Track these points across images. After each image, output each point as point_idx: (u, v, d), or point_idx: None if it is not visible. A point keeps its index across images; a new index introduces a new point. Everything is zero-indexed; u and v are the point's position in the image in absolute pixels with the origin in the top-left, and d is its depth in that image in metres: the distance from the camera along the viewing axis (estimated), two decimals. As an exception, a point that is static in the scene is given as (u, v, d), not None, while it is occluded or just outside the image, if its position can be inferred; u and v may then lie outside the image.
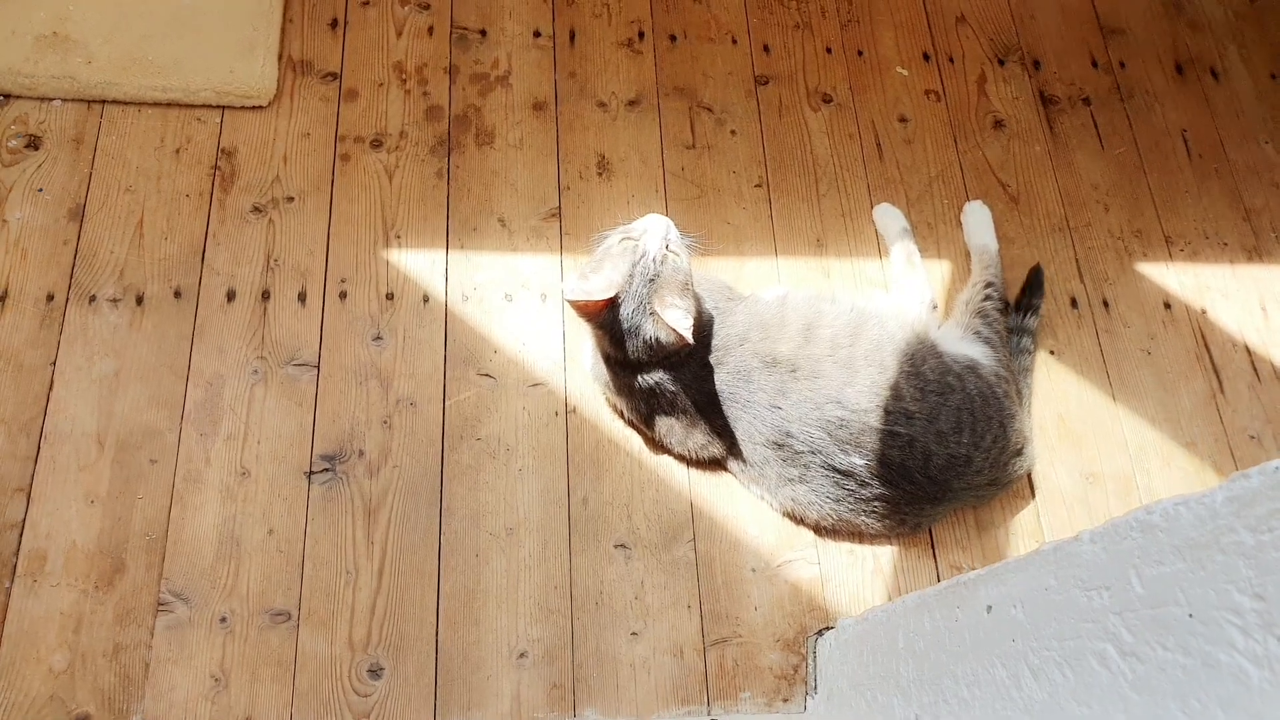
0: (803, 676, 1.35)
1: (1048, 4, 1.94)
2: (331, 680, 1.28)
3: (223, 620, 1.30)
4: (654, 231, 1.33)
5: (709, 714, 1.32)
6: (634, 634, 1.35)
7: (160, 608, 1.30)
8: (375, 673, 1.30)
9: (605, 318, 1.32)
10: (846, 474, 1.36)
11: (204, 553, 1.33)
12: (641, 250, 1.31)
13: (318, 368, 1.46)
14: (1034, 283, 1.62)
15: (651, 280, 1.30)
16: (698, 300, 1.39)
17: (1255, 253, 1.75)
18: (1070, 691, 0.74)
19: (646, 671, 1.34)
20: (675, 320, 1.26)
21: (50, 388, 1.40)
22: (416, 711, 1.28)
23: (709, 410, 1.39)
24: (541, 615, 1.35)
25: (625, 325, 1.31)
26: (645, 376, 1.37)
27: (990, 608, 0.85)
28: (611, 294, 1.29)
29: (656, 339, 1.31)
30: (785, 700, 1.34)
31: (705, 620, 1.37)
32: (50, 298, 1.46)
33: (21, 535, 1.32)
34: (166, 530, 1.34)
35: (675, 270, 1.31)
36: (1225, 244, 1.75)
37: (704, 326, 1.39)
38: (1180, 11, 1.97)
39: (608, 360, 1.40)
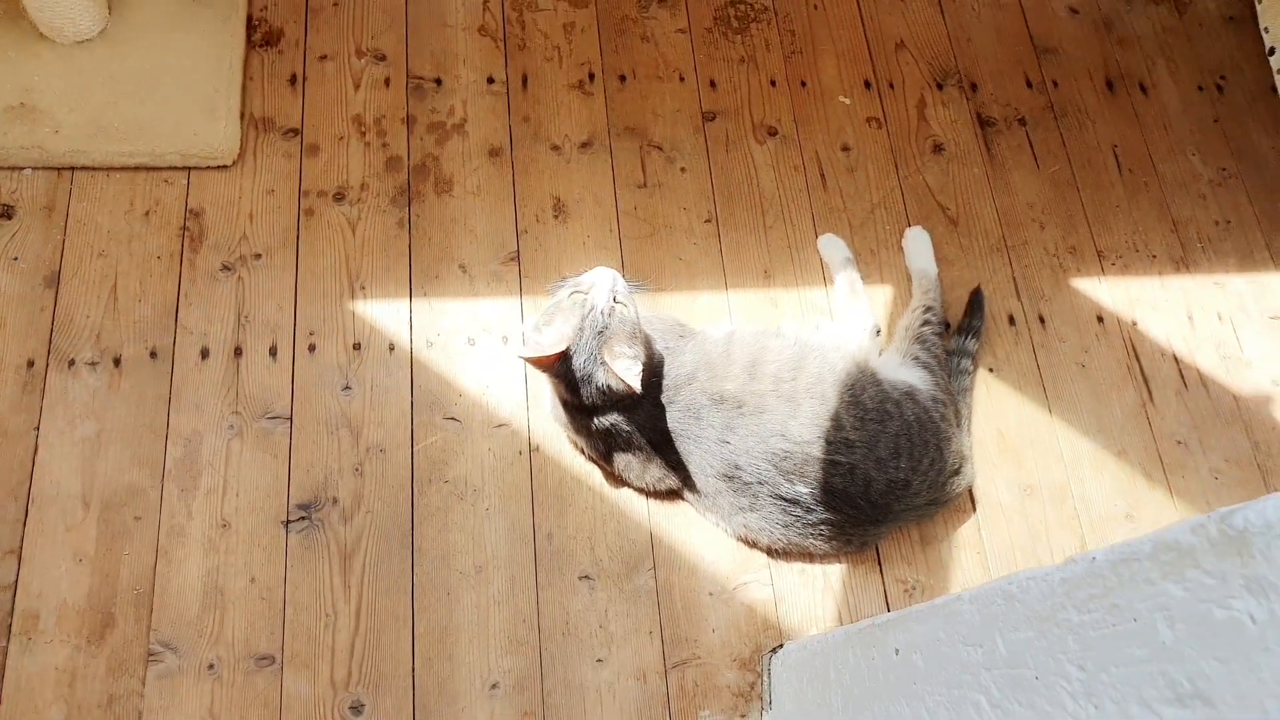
0: (759, 693, 1.43)
1: (984, 26, 1.99)
2: (317, 718, 1.35)
3: (210, 667, 1.36)
4: (601, 285, 1.38)
5: (672, 734, 1.39)
6: (599, 660, 1.42)
7: (150, 658, 1.36)
8: (357, 709, 1.36)
9: (560, 368, 1.38)
10: (793, 502, 1.43)
11: (190, 603, 1.40)
12: (590, 304, 1.37)
13: (290, 420, 1.52)
14: (974, 305, 1.68)
15: (600, 332, 1.36)
16: (648, 342, 1.44)
17: (1182, 263, 1.82)
18: (962, 734, 0.81)
19: (612, 696, 1.41)
20: (623, 370, 1.33)
21: (35, 452, 1.46)
22: (397, 745, 1.35)
23: (663, 446, 1.46)
24: (511, 647, 1.42)
25: (579, 374, 1.37)
26: (601, 418, 1.43)
27: (897, 651, 0.92)
28: (563, 348, 1.35)
29: (608, 385, 1.37)
30: (743, 716, 1.41)
31: (666, 644, 1.44)
32: (31, 364, 1.51)
33: (15, 596, 1.38)
34: (153, 584, 1.40)
35: (623, 321, 1.37)
36: (1154, 256, 1.82)
37: (655, 368, 1.45)
38: (1110, 29, 2.02)
39: (565, 405, 1.46)
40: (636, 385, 1.33)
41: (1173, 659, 0.58)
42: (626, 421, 1.43)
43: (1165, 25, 2.04)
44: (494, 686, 1.39)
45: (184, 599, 1.40)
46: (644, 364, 1.37)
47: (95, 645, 1.36)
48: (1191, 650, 0.57)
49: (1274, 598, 0.53)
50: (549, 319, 1.39)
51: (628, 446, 1.47)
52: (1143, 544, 0.62)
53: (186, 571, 1.41)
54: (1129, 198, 1.86)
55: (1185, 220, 1.86)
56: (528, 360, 1.38)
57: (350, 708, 1.36)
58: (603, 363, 1.36)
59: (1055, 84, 1.95)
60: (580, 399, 1.41)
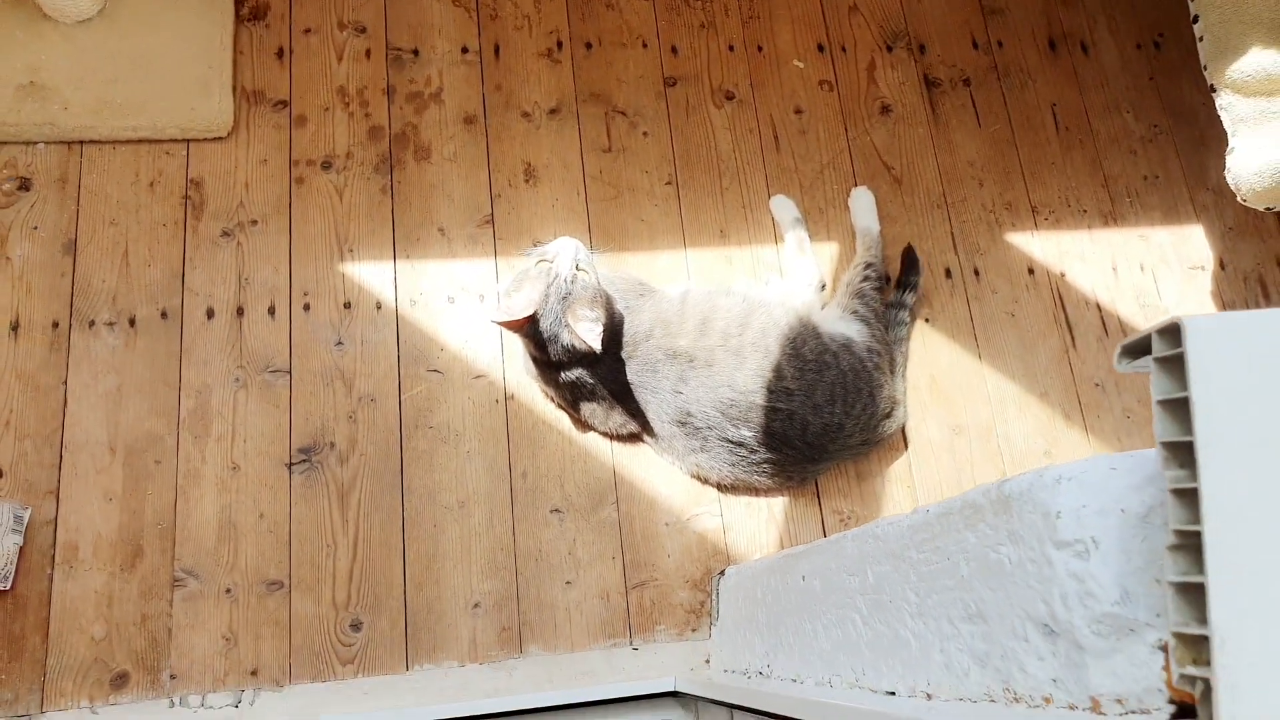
0: (708, 610, 1.59)
1: (934, -12, 2.05)
2: (320, 635, 1.53)
3: (228, 591, 1.53)
4: (565, 254, 1.50)
5: (631, 645, 1.56)
6: (568, 583, 1.59)
7: (176, 583, 1.53)
8: (356, 627, 1.54)
9: (529, 329, 1.51)
10: (738, 444, 1.57)
11: (207, 536, 1.56)
12: (555, 272, 1.49)
13: (290, 373, 1.66)
14: (909, 262, 1.79)
15: (564, 298, 1.48)
16: (609, 303, 1.57)
17: (1110, 217, 1.92)
18: (840, 642, 0.96)
19: (579, 613, 1.58)
20: (584, 332, 1.45)
21: (65, 404, 1.60)
22: (392, 656, 1.53)
23: (623, 396, 1.59)
24: (491, 572, 1.58)
25: (546, 335, 1.50)
26: (568, 373, 1.57)
27: (803, 577, 1.07)
28: (530, 312, 1.48)
29: (572, 345, 1.50)
30: (693, 630, 1.58)
31: (627, 568, 1.61)
32: (55, 325, 1.64)
33: (55, 530, 1.54)
34: (174, 519, 1.56)
35: (584, 287, 1.49)
36: (1085, 210, 1.92)
37: (615, 327, 1.57)
38: (1056, -12, 2.08)
39: (535, 360, 1.59)
40: (597, 346, 1.46)
41: (966, 588, 0.72)
42: (590, 375, 1.57)
43: (1110, -16, 2.09)
44: (476, 606, 1.56)
45: (202, 532, 1.56)
46: (604, 324, 1.50)
47: (128, 572, 1.53)
48: (977, 582, 0.71)
49: (1022, 545, 0.67)
50: (518, 285, 1.51)
51: (592, 396, 1.60)
52: (955, 501, 0.75)
53: (203, 508, 1.57)
54: (1064, 154, 1.95)
55: (1116, 176, 1.95)
56: (500, 324, 1.51)
57: (350, 625, 1.53)
58: (566, 325, 1.48)
59: (1000, 44, 2.02)
60: (548, 356, 1.54)
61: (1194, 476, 0.56)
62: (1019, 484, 0.67)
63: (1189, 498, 0.57)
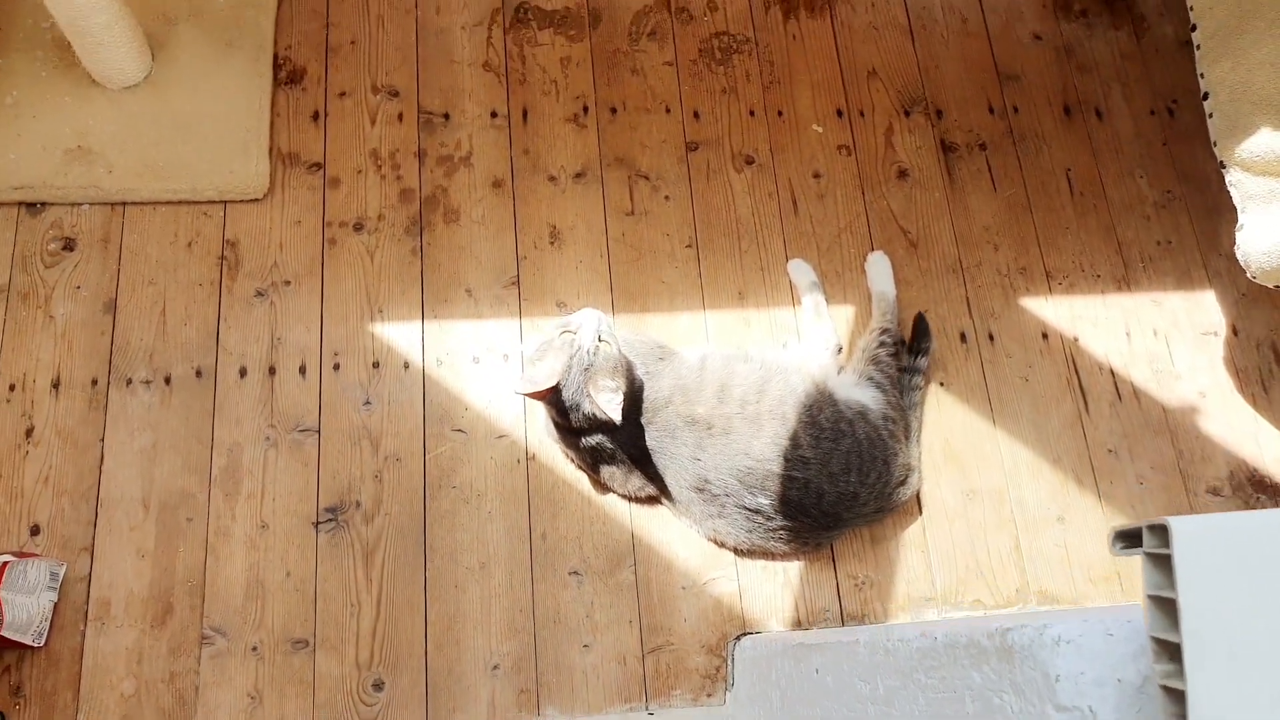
0: (723, 675, 1.55)
1: (951, 54, 2.01)
2: (343, 695, 1.49)
3: (254, 649, 1.51)
4: (587, 326, 1.47)
5: (647, 710, 1.52)
6: (585, 646, 1.55)
7: (204, 640, 1.50)
8: (378, 686, 1.50)
9: (551, 398, 1.48)
10: (755, 511, 1.53)
11: (235, 594, 1.53)
12: (578, 344, 1.46)
13: (319, 432, 1.63)
14: (921, 329, 1.74)
15: (587, 369, 1.45)
16: (630, 371, 1.53)
17: (1124, 282, 1.86)
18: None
19: (596, 676, 1.54)
20: (605, 403, 1.42)
21: (101, 461, 1.58)
22: (412, 717, 1.49)
23: (642, 461, 1.55)
24: (510, 633, 1.55)
25: (568, 404, 1.47)
26: (588, 438, 1.53)
27: (817, 670, 1.03)
28: (553, 383, 1.45)
29: (593, 414, 1.47)
30: (709, 695, 1.54)
31: (644, 632, 1.57)
32: (94, 382, 1.63)
33: (89, 587, 1.52)
34: (204, 577, 1.54)
35: (606, 358, 1.46)
36: (1099, 275, 1.86)
37: (636, 394, 1.53)
38: (1071, 55, 2.03)
39: (557, 425, 1.56)
40: (617, 417, 1.42)
41: (975, 728, 0.68)
42: (610, 440, 1.53)
43: (1123, 51, 2.04)
44: (495, 667, 1.53)
45: (230, 590, 1.53)
46: (625, 393, 1.46)
47: (158, 629, 1.50)
48: (981, 721, 0.67)
49: (1024, 698, 0.63)
50: (541, 355, 1.48)
51: (612, 460, 1.57)
52: (961, 634, 0.71)
53: (232, 566, 1.54)
54: (1078, 219, 1.90)
55: (1129, 241, 1.89)
56: (525, 395, 1.48)
57: (373, 685, 1.50)
58: (588, 395, 1.45)
59: (1016, 109, 1.97)
60: (570, 423, 1.51)
61: (1181, 675, 0.52)
62: (1021, 637, 0.64)
63: (1178, 694, 0.53)
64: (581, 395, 1.46)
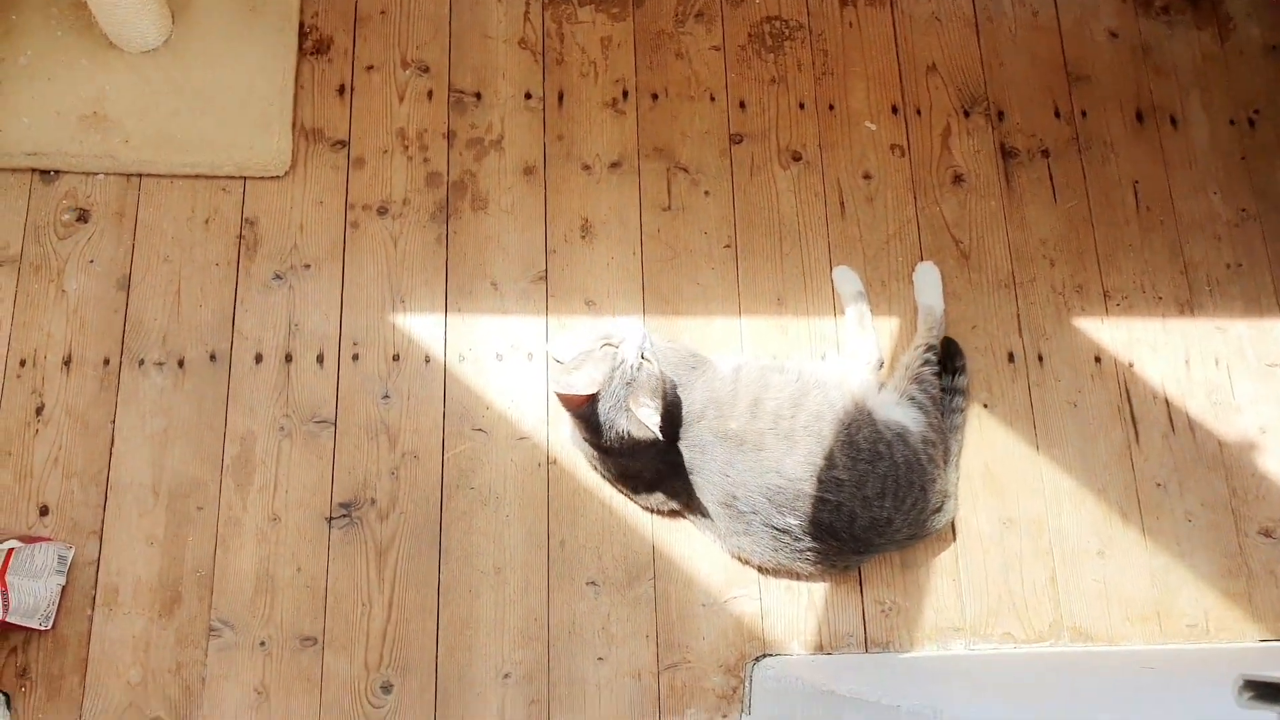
0: (740, 697, 1.54)
1: (1018, 50, 1.92)
2: (351, 695, 1.50)
3: (262, 644, 1.51)
4: (632, 340, 1.44)
5: (659, 728, 1.52)
6: (600, 659, 1.54)
7: (211, 633, 1.51)
8: (386, 689, 1.50)
9: (585, 410, 1.45)
10: (783, 531, 1.50)
11: (245, 587, 1.53)
12: (621, 357, 1.43)
13: (335, 424, 1.61)
14: (950, 349, 1.68)
15: (629, 383, 1.42)
16: (667, 393, 1.49)
17: (1187, 306, 1.80)
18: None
19: (610, 691, 1.53)
20: (647, 418, 1.39)
21: (111, 444, 1.58)
22: (420, 722, 1.50)
23: (670, 476, 1.53)
24: (523, 642, 1.54)
25: (602, 419, 1.44)
26: (618, 455, 1.50)
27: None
28: (592, 391, 1.42)
29: (629, 432, 1.44)
30: (724, 717, 1.53)
31: (660, 648, 1.55)
32: (106, 362, 1.61)
33: (98, 571, 1.52)
34: (213, 568, 1.54)
35: (649, 375, 1.43)
36: (1160, 298, 1.80)
37: (670, 411, 1.50)
38: (1148, 55, 1.94)
39: (585, 440, 1.53)
40: (658, 434, 1.40)
41: None
42: (640, 455, 1.50)
43: (1205, 53, 1.95)
44: (506, 676, 1.52)
45: (240, 582, 1.53)
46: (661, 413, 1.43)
47: (165, 618, 1.51)
48: None
49: None
50: (579, 364, 1.45)
51: (639, 473, 1.54)
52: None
53: (242, 558, 1.54)
54: (1143, 236, 1.83)
55: (1196, 262, 1.82)
56: (561, 396, 1.45)
57: (381, 687, 1.50)
58: (628, 410, 1.42)
59: (1084, 114, 1.89)
60: (600, 440, 1.47)
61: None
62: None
63: None
64: (619, 412, 1.43)
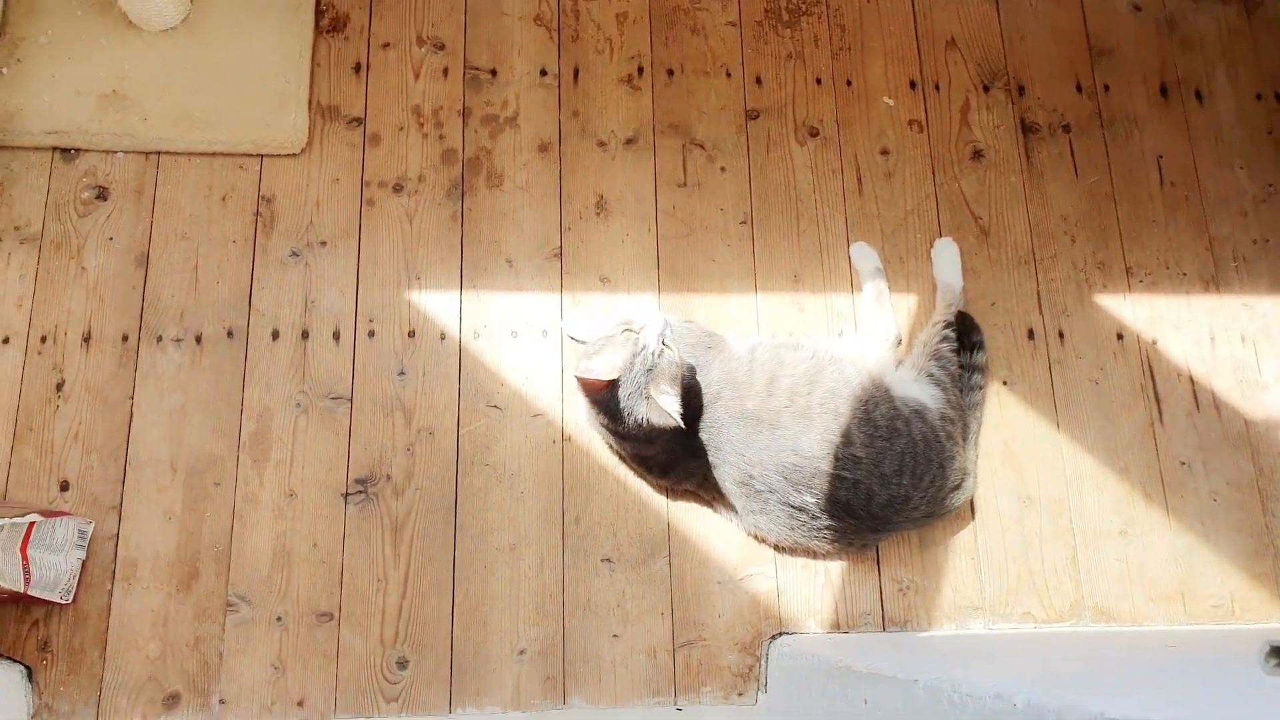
0: (756, 675, 1.54)
1: (1040, 24, 1.91)
2: (367, 670, 1.51)
3: (279, 619, 1.53)
4: (653, 327, 1.44)
5: (675, 705, 1.52)
6: (615, 636, 1.55)
7: (229, 608, 1.53)
8: (402, 664, 1.52)
9: (604, 396, 1.45)
10: (799, 509, 1.50)
11: (262, 562, 1.55)
12: (642, 343, 1.43)
13: (351, 401, 1.63)
14: (965, 324, 1.67)
15: (649, 370, 1.42)
16: (682, 369, 1.49)
17: (1213, 283, 1.78)
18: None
19: (625, 667, 1.54)
20: (668, 405, 1.40)
21: (130, 420, 1.60)
22: (436, 697, 1.51)
23: (686, 457, 1.53)
24: (538, 619, 1.55)
25: (622, 405, 1.44)
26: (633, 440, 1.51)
27: (865, 701, 1.01)
28: (613, 376, 1.42)
29: (648, 419, 1.44)
30: (740, 695, 1.53)
31: (675, 625, 1.56)
32: (125, 338, 1.64)
33: (117, 546, 1.54)
34: (230, 543, 1.55)
35: (670, 363, 1.44)
36: (1184, 274, 1.78)
37: (687, 392, 1.49)
38: (1173, 28, 1.92)
39: (602, 425, 1.53)
40: (680, 422, 1.40)
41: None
42: (657, 439, 1.50)
43: (1231, 26, 1.92)
44: (521, 652, 1.53)
45: (257, 558, 1.55)
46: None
47: (183, 593, 1.53)
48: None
49: None
50: (600, 348, 1.45)
51: (654, 455, 1.55)
52: (1047, 711, 0.68)
53: (259, 534, 1.56)
54: (1167, 212, 1.81)
55: (1222, 238, 1.80)
56: (581, 380, 1.45)
57: (396, 663, 1.52)
58: (648, 397, 1.42)
59: (1107, 88, 1.87)
60: (618, 426, 1.47)
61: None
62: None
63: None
64: (639, 398, 1.43)
